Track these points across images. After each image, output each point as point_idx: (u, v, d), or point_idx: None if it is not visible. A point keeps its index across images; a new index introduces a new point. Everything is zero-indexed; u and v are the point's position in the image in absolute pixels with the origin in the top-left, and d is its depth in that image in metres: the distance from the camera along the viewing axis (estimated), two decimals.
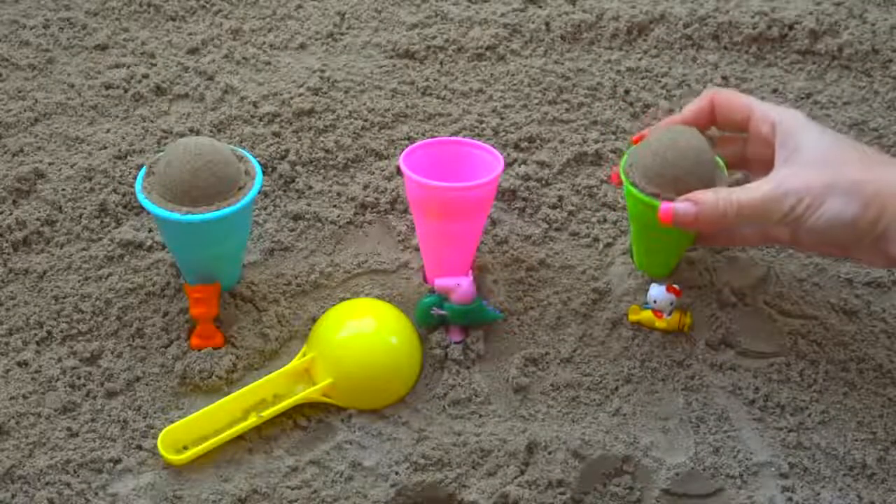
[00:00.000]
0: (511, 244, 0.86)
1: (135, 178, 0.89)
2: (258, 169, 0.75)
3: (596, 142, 0.98)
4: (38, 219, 0.85)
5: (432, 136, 0.95)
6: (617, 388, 0.75)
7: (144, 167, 0.74)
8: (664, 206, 0.70)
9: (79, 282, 0.80)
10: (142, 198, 0.71)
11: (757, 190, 0.67)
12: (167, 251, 0.83)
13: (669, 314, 0.77)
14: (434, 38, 1.12)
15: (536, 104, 1.03)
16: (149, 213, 0.73)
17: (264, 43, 1.13)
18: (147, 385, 0.73)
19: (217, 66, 1.08)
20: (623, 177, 0.75)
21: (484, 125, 0.99)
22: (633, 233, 0.81)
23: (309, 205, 0.90)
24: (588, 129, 1.00)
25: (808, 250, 0.82)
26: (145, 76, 1.04)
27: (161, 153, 0.76)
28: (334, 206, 0.90)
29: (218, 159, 0.72)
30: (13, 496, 0.64)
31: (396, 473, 0.67)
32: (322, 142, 0.96)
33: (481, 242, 0.84)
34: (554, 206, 0.91)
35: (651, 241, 0.79)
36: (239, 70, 1.08)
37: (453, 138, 0.82)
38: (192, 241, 0.73)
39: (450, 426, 0.71)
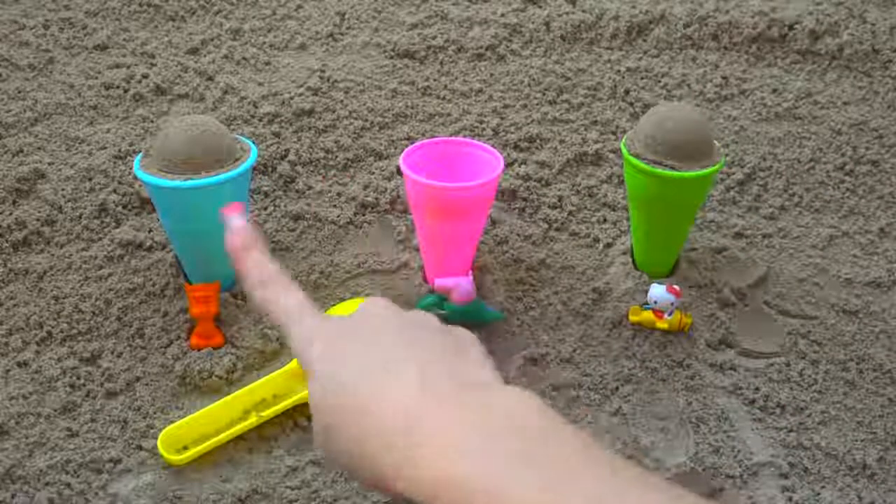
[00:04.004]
0: (511, 244, 0.86)
1: (135, 178, 0.89)
2: (252, 146, 0.76)
3: (596, 142, 0.98)
4: (38, 219, 0.85)
5: (432, 136, 0.95)
6: (617, 388, 0.74)
7: (140, 153, 0.75)
8: None
9: (79, 282, 0.80)
10: (141, 174, 0.72)
11: None
12: (167, 251, 0.83)
13: (670, 314, 0.77)
14: (434, 38, 1.12)
15: (536, 104, 1.03)
16: (148, 186, 0.72)
17: (264, 43, 1.13)
18: (147, 385, 0.73)
19: (217, 66, 1.08)
20: (623, 149, 0.76)
21: (484, 125, 0.99)
22: (633, 218, 0.81)
23: (309, 205, 0.90)
24: (588, 129, 1.00)
25: None
26: (145, 76, 1.05)
27: (155, 137, 0.76)
28: (334, 206, 0.90)
29: (214, 130, 0.72)
30: (13, 496, 0.64)
31: None
32: (322, 142, 0.96)
33: (481, 242, 0.84)
34: (554, 206, 0.91)
35: (652, 223, 0.79)
36: (239, 70, 1.08)
37: (453, 138, 0.82)
38: (192, 212, 0.73)
39: None
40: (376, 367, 0.41)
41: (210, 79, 1.05)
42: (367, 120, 0.99)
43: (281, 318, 0.47)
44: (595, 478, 0.35)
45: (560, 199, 0.91)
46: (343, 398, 0.41)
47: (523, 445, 0.36)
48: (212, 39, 1.13)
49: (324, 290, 0.82)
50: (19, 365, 0.74)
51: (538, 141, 0.98)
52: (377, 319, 0.45)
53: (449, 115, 1.01)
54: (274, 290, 0.48)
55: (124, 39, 1.12)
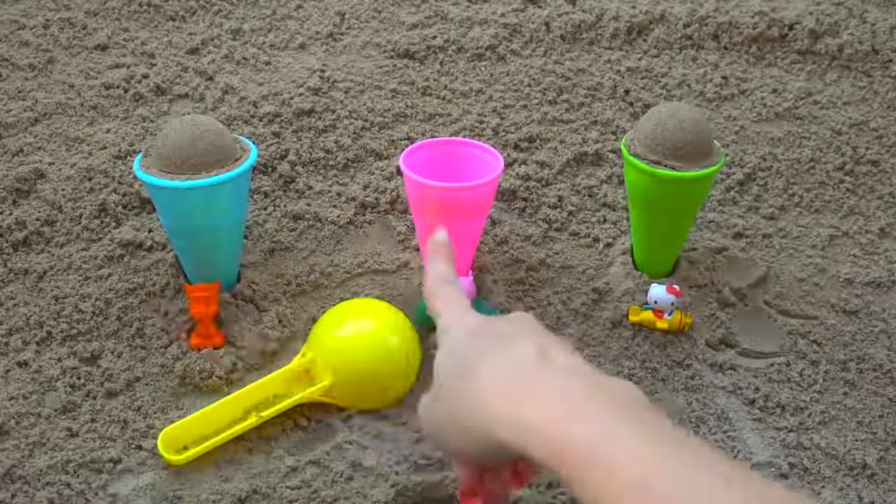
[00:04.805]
0: (511, 244, 0.86)
1: (135, 178, 0.89)
2: (252, 146, 0.76)
3: (596, 142, 0.98)
4: (38, 219, 0.85)
5: (432, 136, 0.95)
6: None
7: (140, 153, 0.75)
8: None
9: (79, 282, 0.80)
10: (141, 174, 0.71)
11: None
12: (167, 251, 0.83)
13: (670, 314, 0.77)
14: (434, 38, 1.12)
15: (536, 104, 1.03)
16: (148, 186, 0.72)
17: (264, 43, 1.13)
18: (147, 385, 0.73)
19: (217, 66, 1.08)
20: (623, 150, 0.76)
21: (484, 125, 0.99)
22: (633, 218, 0.81)
23: (309, 205, 0.90)
24: (588, 129, 1.00)
25: None
26: (145, 76, 1.05)
27: (155, 137, 0.75)
28: (334, 206, 0.90)
29: (214, 129, 0.72)
30: (13, 496, 0.64)
31: (396, 473, 0.67)
32: (322, 142, 0.96)
33: (481, 242, 0.84)
34: (554, 206, 0.91)
35: (652, 223, 0.79)
36: (239, 70, 1.08)
37: (453, 138, 0.82)
38: (192, 212, 0.73)
39: None
40: (498, 349, 0.47)
41: (210, 79, 1.05)
42: (367, 120, 0.99)
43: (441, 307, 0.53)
44: (696, 451, 0.38)
45: (560, 199, 0.91)
46: (464, 372, 0.47)
47: (625, 415, 0.40)
48: (212, 39, 1.13)
49: (324, 290, 0.82)
50: (19, 365, 0.74)
51: (538, 141, 0.98)
52: (520, 325, 0.50)
53: (449, 115, 1.01)
54: (446, 288, 0.54)
55: (124, 39, 1.12)
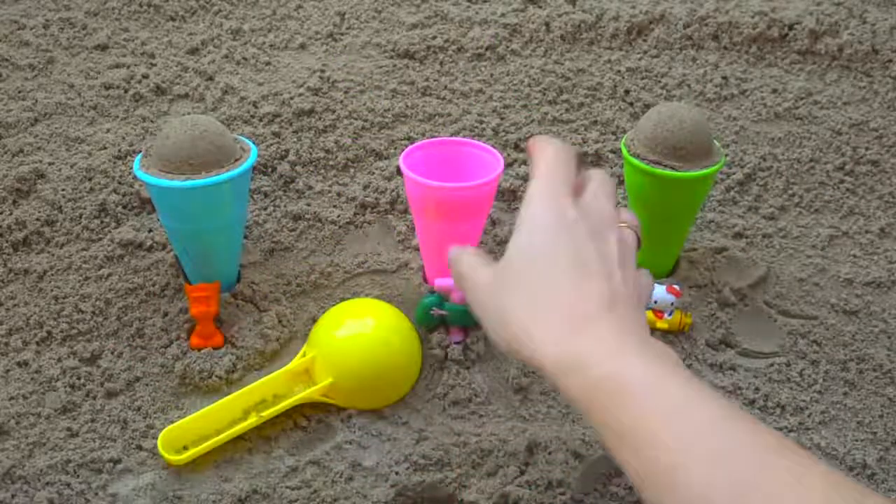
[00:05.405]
0: None
1: (135, 178, 0.89)
2: (252, 146, 0.76)
3: (596, 142, 0.98)
4: (38, 219, 0.85)
5: (432, 136, 0.95)
6: None
7: (140, 153, 0.75)
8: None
9: (79, 282, 0.80)
10: (141, 174, 0.71)
11: None
12: (167, 251, 0.83)
13: (670, 314, 0.77)
14: (434, 38, 1.12)
15: (536, 104, 1.03)
16: (148, 186, 0.72)
17: (264, 43, 1.13)
18: (147, 385, 0.73)
19: (217, 66, 1.08)
20: (623, 149, 0.76)
21: (484, 125, 1.00)
22: None
23: (309, 205, 0.90)
24: (588, 129, 1.00)
25: None
26: (145, 76, 1.05)
27: (155, 137, 0.75)
28: (334, 206, 0.90)
29: (214, 129, 0.72)
30: (13, 496, 0.64)
31: (396, 473, 0.67)
32: (322, 142, 0.96)
33: (481, 242, 0.84)
34: None
35: (652, 223, 0.79)
36: (239, 70, 1.08)
37: (453, 138, 0.82)
38: (192, 212, 0.73)
39: (450, 426, 0.71)
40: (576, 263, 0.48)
41: (210, 79, 1.05)
42: (367, 120, 0.99)
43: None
44: (735, 417, 0.42)
45: None
46: (533, 283, 0.48)
47: (671, 372, 0.44)
48: (212, 39, 1.13)
49: (324, 290, 0.82)
50: (19, 365, 0.74)
51: None
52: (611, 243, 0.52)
53: (449, 115, 1.01)
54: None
55: (124, 39, 1.12)
